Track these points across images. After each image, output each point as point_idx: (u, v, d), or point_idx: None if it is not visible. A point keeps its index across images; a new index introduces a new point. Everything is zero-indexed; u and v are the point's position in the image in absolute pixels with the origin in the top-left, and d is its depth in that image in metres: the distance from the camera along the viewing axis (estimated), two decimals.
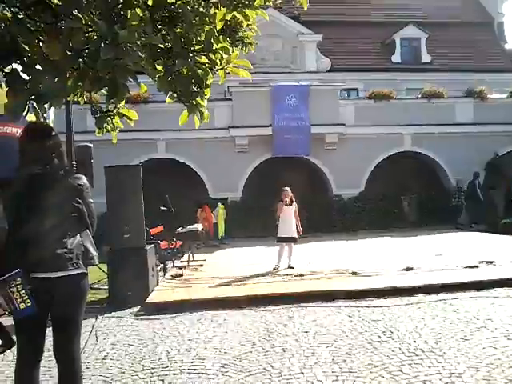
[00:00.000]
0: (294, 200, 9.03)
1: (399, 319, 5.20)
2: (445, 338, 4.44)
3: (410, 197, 17.11)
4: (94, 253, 2.87)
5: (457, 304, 5.73)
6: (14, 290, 2.46)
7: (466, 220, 16.40)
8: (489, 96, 17.76)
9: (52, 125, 3.06)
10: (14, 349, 2.72)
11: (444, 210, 16.64)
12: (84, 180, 2.85)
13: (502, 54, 23.73)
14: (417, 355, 4.03)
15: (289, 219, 8.91)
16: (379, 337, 4.60)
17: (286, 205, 8.90)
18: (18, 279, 2.47)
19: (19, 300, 2.47)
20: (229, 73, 3.24)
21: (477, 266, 7.80)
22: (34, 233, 2.57)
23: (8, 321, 2.69)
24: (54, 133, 2.81)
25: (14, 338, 2.68)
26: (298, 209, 9.18)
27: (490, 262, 8.02)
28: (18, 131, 5.02)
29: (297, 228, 8.98)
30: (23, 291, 2.47)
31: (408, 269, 7.82)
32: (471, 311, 5.37)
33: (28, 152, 2.71)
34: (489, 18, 25.07)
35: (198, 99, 3.17)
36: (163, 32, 2.91)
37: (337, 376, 3.66)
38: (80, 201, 2.76)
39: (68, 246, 2.66)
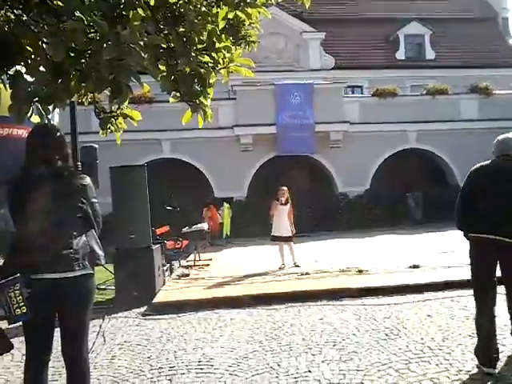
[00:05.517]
0: (289, 200, 9.06)
1: (406, 317, 5.18)
2: (452, 336, 4.42)
3: (416, 194, 17.02)
4: (100, 253, 2.86)
5: (464, 301, 5.68)
6: (12, 295, 2.42)
7: None
8: (494, 92, 17.66)
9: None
10: (23, 349, 2.73)
11: (450, 207, 16.51)
12: (88, 180, 2.85)
13: (507, 50, 23.58)
14: (424, 353, 4.02)
15: (283, 218, 8.96)
16: (386, 335, 4.59)
17: (281, 204, 8.95)
18: (17, 285, 2.43)
19: (15, 306, 2.43)
20: (232, 72, 3.23)
21: None
22: (39, 234, 2.57)
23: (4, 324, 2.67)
24: (59, 134, 2.81)
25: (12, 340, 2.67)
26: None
27: None
28: (23, 133, 5.04)
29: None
30: (20, 297, 2.43)
31: (414, 266, 7.79)
32: None
33: (34, 152, 2.72)
34: (493, 13, 24.93)
35: (202, 98, 3.17)
36: (165, 32, 2.91)
37: (344, 374, 3.65)
38: (84, 201, 2.76)
39: (74, 246, 2.65)
